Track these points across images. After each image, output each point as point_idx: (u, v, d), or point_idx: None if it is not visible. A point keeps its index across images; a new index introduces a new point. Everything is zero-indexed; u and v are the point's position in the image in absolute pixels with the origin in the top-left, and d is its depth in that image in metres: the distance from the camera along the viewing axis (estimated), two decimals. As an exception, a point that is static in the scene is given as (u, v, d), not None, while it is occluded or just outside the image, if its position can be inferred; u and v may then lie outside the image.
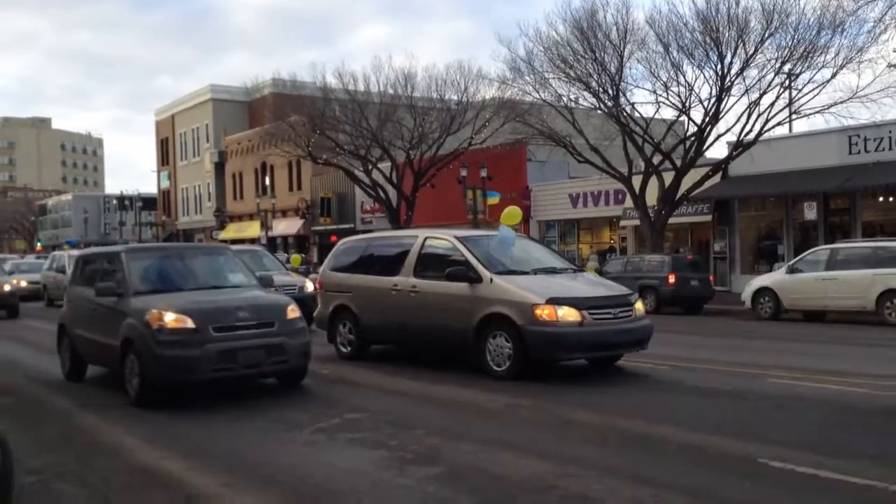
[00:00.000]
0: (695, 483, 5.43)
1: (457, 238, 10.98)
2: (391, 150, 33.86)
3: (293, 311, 9.17)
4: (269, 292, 10.07)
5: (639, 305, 10.42)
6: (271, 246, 39.97)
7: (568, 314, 9.45)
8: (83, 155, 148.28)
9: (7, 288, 21.41)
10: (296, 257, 23.17)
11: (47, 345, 12.65)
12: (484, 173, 31.28)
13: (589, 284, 10.74)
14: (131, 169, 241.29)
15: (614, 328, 9.82)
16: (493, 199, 31.44)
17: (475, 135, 32.48)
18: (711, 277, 23.53)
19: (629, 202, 26.96)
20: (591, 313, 9.60)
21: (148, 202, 67.41)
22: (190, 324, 8.37)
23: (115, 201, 71.11)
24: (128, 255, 9.70)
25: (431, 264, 10.97)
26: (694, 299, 21.40)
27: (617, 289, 10.82)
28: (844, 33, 22.18)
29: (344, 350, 12.12)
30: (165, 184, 65.83)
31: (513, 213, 12.34)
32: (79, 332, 10.26)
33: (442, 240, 11.19)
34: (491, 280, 10.01)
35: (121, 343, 8.75)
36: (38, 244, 72.21)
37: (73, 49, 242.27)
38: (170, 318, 8.38)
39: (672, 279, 20.99)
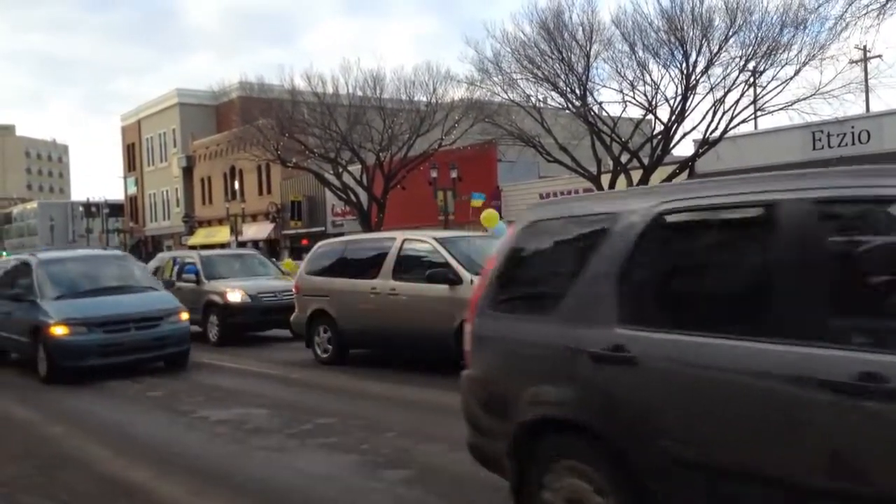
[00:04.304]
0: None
1: (436, 239, 10.84)
2: (361, 152, 33.69)
3: None
4: None
5: None
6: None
7: None
8: (48, 162, 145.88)
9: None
10: (288, 263, 22.53)
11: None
12: (454, 174, 31.25)
13: None
14: (98, 175, 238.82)
15: None
16: (478, 202, 31.26)
17: (445, 136, 32.44)
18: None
19: (598, 201, 27.04)
20: None
21: (115, 209, 66.49)
22: None
23: (81, 208, 70.12)
24: None
25: (411, 266, 10.83)
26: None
27: None
28: (807, 30, 22.48)
29: (322, 355, 11.96)
30: (132, 190, 65.00)
31: (490, 216, 12.38)
32: None
33: (421, 241, 11.07)
34: (472, 281, 9.76)
35: None
36: (3, 254, 70.89)
37: (29, 51, 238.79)
38: None
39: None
